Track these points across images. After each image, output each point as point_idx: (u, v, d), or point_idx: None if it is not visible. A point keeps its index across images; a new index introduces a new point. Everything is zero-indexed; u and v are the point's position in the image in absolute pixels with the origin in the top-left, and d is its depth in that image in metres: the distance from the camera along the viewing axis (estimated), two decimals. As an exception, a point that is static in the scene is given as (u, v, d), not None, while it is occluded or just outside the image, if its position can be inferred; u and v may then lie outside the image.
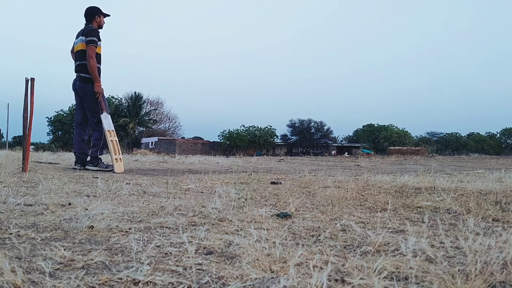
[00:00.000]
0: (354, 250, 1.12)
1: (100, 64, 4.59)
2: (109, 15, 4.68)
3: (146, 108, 49.58)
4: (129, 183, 2.92)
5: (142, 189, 2.55)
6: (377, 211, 1.79)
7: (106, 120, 4.59)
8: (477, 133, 68.24)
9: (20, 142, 29.27)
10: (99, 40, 4.53)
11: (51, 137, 50.34)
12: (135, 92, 46.59)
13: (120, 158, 4.46)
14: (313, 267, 0.93)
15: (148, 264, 0.95)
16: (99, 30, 4.61)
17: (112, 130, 4.60)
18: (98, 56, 4.55)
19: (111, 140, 4.54)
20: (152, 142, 45.00)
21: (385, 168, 6.75)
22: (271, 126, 53.19)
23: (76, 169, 4.50)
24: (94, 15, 4.56)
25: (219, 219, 1.52)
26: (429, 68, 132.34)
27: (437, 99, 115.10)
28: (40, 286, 0.81)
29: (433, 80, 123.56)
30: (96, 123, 4.63)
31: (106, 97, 4.69)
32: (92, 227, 1.31)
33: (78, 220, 1.38)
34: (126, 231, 1.29)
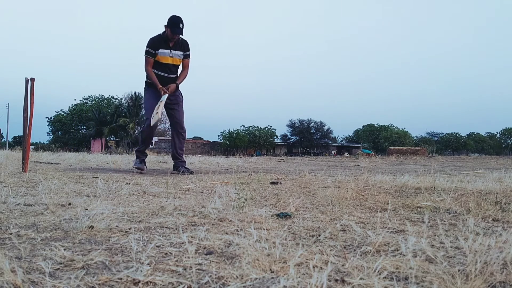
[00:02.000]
0: (354, 250, 1.12)
1: (162, 72, 4.61)
2: (178, 33, 4.51)
3: (146, 108, 49.48)
4: (129, 183, 2.92)
5: (142, 189, 2.55)
6: (377, 211, 1.79)
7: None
8: (477, 133, 68.15)
9: (20, 142, 29.27)
10: (155, 49, 4.51)
11: (51, 137, 50.37)
12: (135, 92, 46.63)
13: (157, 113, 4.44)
14: (313, 267, 0.93)
15: (148, 264, 0.95)
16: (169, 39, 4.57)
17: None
18: (159, 64, 4.58)
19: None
20: (152, 142, 44.97)
21: (385, 168, 6.75)
22: (271, 126, 53.22)
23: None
24: (166, 25, 4.49)
25: (219, 219, 1.52)
26: (429, 68, 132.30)
27: (437, 100, 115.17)
28: (40, 286, 0.81)
29: (433, 81, 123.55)
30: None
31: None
32: (92, 227, 1.31)
33: (78, 220, 1.38)
34: (126, 231, 1.29)
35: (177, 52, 4.61)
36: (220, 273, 0.89)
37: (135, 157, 4.82)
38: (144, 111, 4.83)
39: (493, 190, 2.62)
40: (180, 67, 4.75)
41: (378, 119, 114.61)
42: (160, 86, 4.50)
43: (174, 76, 4.71)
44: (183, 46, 4.65)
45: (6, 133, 48.28)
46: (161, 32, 4.55)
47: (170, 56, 4.58)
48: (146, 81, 4.74)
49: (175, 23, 4.44)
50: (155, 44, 4.49)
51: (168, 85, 4.57)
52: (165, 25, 4.48)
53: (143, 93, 4.84)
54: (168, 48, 4.55)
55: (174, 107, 4.75)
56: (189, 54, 4.71)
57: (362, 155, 20.14)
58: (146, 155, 4.90)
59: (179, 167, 4.69)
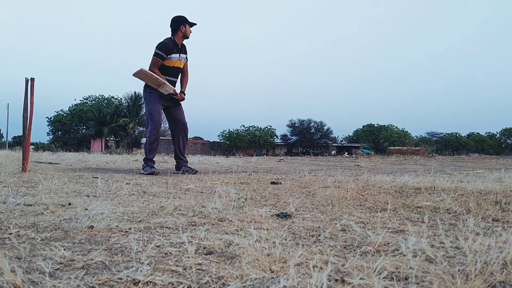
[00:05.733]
0: (354, 250, 1.12)
1: (168, 76, 4.57)
2: (195, 24, 4.59)
3: (146, 108, 49.51)
4: (129, 183, 2.92)
5: (142, 189, 2.55)
6: (377, 211, 1.79)
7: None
8: (477, 133, 68.09)
9: (20, 142, 29.26)
10: (168, 53, 4.45)
11: (51, 137, 50.42)
12: (134, 92, 46.64)
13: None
14: (313, 267, 0.93)
15: (148, 264, 0.95)
16: (185, 40, 4.58)
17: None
18: (167, 68, 4.53)
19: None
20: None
21: (385, 168, 6.75)
22: (271, 126, 53.21)
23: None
24: (179, 25, 4.48)
25: (219, 219, 1.52)
26: (428, 68, 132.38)
27: (437, 100, 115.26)
28: (40, 286, 0.81)
29: (433, 81, 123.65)
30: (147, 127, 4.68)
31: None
32: (92, 227, 1.31)
33: (78, 220, 1.38)
34: (126, 231, 1.29)
35: (183, 55, 4.65)
36: (220, 273, 0.89)
37: (144, 165, 4.52)
38: (147, 114, 4.64)
39: (493, 190, 2.62)
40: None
41: (378, 119, 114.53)
42: (170, 86, 4.49)
43: (176, 79, 4.71)
44: (186, 49, 4.70)
45: (6, 133, 48.34)
46: (169, 36, 4.52)
47: (178, 60, 4.60)
48: (148, 84, 4.61)
49: (186, 18, 4.50)
50: (168, 49, 4.46)
51: (179, 92, 4.62)
52: (181, 26, 4.47)
53: (144, 96, 4.73)
54: (178, 52, 4.57)
55: (177, 108, 4.79)
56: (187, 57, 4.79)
57: (362, 155, 20.15)
58: (154, 162, 4.67)
59: (182, 166, 4.68)
